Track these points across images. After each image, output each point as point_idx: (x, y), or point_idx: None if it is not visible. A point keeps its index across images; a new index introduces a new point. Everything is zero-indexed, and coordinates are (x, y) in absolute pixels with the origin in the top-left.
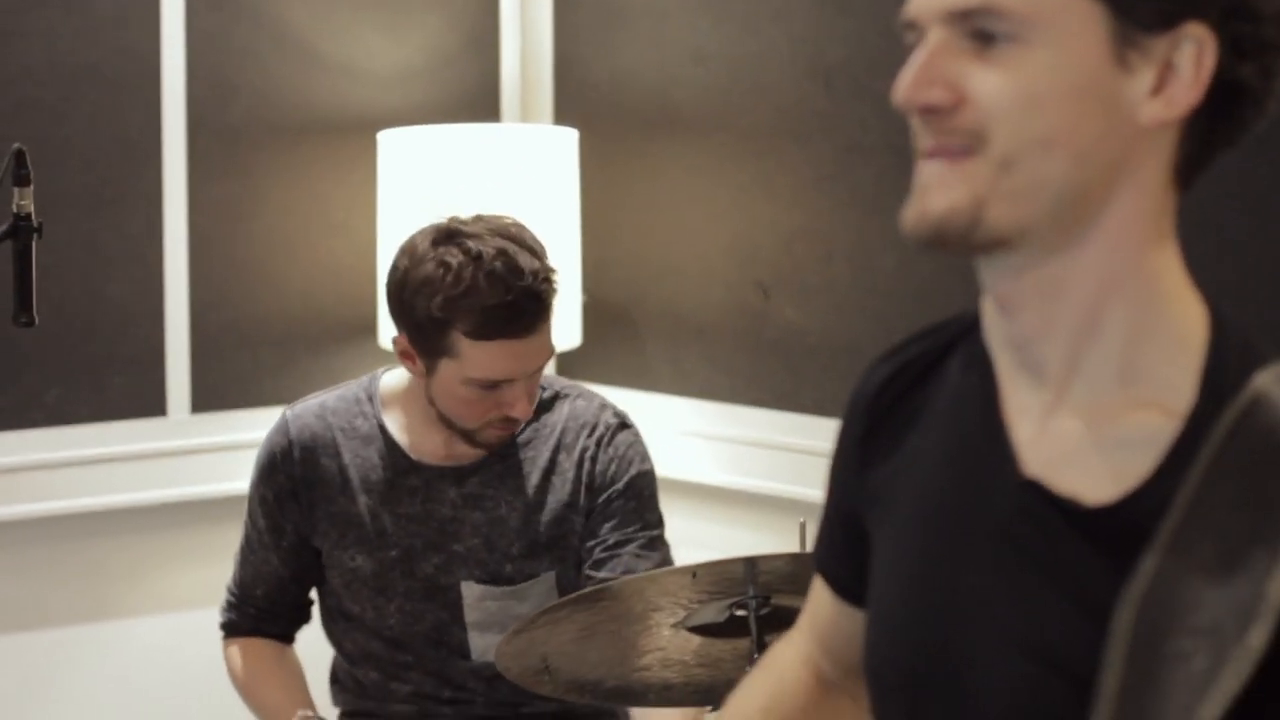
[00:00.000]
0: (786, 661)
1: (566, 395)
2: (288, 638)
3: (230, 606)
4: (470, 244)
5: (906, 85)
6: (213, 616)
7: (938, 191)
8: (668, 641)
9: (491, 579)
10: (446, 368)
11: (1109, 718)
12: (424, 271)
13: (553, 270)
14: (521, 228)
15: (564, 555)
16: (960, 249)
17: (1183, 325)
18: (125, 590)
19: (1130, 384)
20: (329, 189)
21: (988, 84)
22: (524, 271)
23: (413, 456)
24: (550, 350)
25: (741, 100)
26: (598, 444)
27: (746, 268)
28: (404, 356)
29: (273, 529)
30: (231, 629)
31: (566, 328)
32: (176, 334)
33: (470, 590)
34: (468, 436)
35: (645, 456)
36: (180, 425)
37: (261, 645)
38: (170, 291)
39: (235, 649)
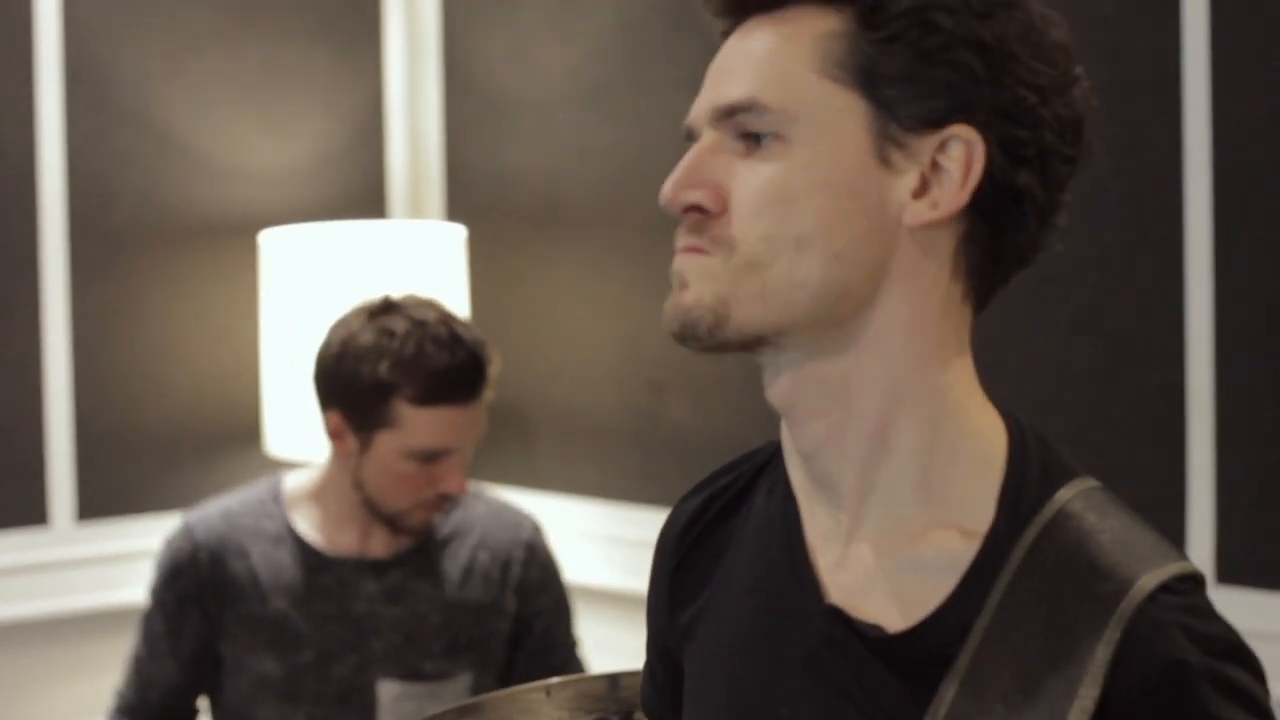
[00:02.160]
0: None
1: (477, 494)
2: None
3: (120, 711)
4: (411, 312)
5: (670, 185)
6: None
7: (687, 285)
8: None
9: (410, 675)
10: (384, 441)
11: None
12: (365, 340)
13: (487, 343)
14: (446, 306)
15: (484, 658)
16: (712, 346)
17: (980, 441)
18: (7, 707)
19: (928, 504)
20: (213, 292)
21: (747, 185)
22: (465, 339)
23: (326, 553)
24: (484, 426)
25: (629, 196)
26: (528, 549)
27: (637, 366)
28: (335, 437)
29: (172, 634)
30: None
31: None
32: (59, 441)
33: (387, 690)
34: (393, 522)
35: (560, 569)
36: (64, 535)
37: None
38: (52, 398)
39: None
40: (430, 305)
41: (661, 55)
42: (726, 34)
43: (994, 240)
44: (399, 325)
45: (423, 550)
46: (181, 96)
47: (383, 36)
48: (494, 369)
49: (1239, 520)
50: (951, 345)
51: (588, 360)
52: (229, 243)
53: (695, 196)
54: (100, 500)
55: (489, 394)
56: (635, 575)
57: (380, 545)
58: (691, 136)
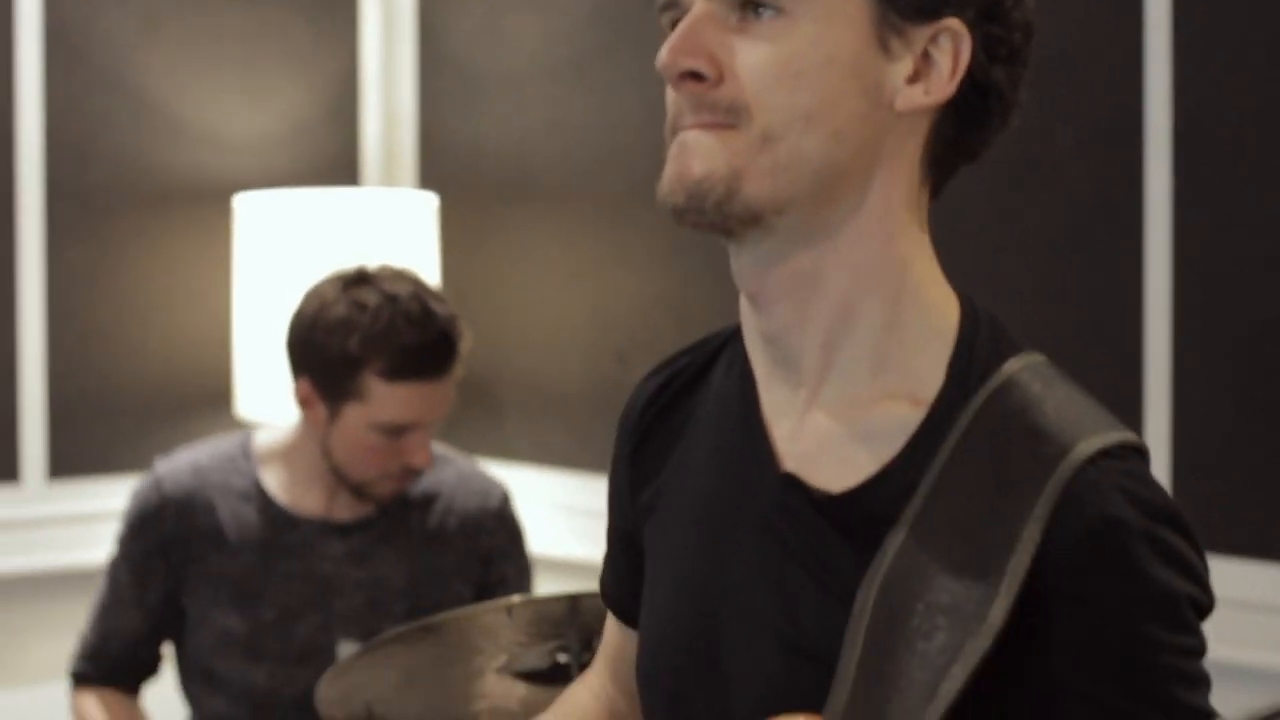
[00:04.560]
0: (580, 698)
1: (446, 459)
2: (136, 690)
3: (83, 657)
4: (384, 286)
5: (668, 51)
6: (66, 690)
7: (697, 157)
8: (493, 689)
9: (371, 637)
10: (352, 412)
11: (846, 695)
12: (337, 312)
13: (460, 319)
14: (422, 279)
15: None
16: (715, 220)
17: (934, 316)
18: None
19: (882, 376)
20: (187, 255)
21: (751, 57)
22: (438, 315)
23: (292, 513)
24: (452, 402)
25: (598, 168)
26: (496, 517)
27: (604, 336)
28: (304, 405)
29: (137, 584)
30: (82, 679)
31: None
32: (32, 399)
33: (347, 649)
34: (359, 490)
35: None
36: (35, 492)
37: (112, 696)
38: (25, 356)
39: (85, 699)
40: (405, 278)
41: (635, 28)
42: None
43: (958, 132)
44: (371, 299)
45: (390, 514)
46: (159, 61)
47: (359, 5)
48: (465, 345)
49: (1194, 488)
50: (915, 225)
51: (556, 330)
52: (203, 207)
53: (694, 63)
54: (72, 459)
55: (459, 370)
56: (602, 546)
57: (346, 508)
58: (672, 7)
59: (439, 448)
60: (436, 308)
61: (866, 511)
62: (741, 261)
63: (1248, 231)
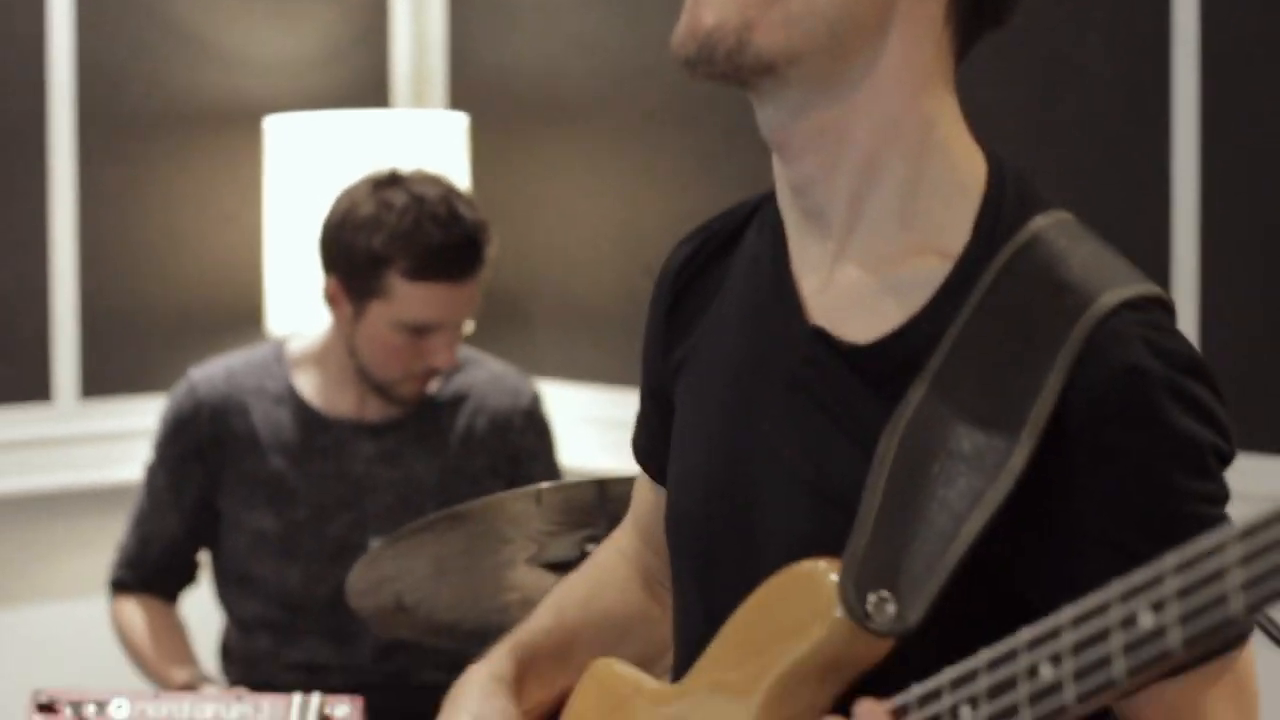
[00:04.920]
0: (611, 557)
1: (476, 361)
2: (174, 598)
3: (122, 565)
4: (413, 188)
5: None
6: (98, 606)
7: (709, 8)
8: (523, 580)
9: None
10: (376, 311)
11: (867, 539)
12: (366, 211)
13: (488, 224)
14: (453, 184)
15: None
16: (726, 71)
17: (960, 172)
18: (8, 580)
19: (909, 230)
20: (218, 177)
21: None
22: (464, 217)
23: (325, 415)
24: (477, 304)
25: (628, 86)
26: (526, 416)
27: (634, 252)
28: (332, 303)
29: (174, 488)
30: (121, 586)
31: None
32: (64, 320)
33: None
34: (384, 390)
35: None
36: (67, 411)
37: (150, 603)
38: (57, 277)
39: (124, 605)
40: (435, 182)
41: None
42: None
43: None
44: (399, 199)
45: (421, 414)
46: None
47: None
48: (492, 250)
49: (1221, 385)
50: (940, 84)
51: (585, 246)
52: (234, 129)
53: None
54: (103, 378)
55: (485, 273)
56: (631, 459)
57: (378, 409)
58: None
59: (470, 351)
60: (464, 210)
61: (892, 362)
62: (765, 113)
63: (1276, 128)
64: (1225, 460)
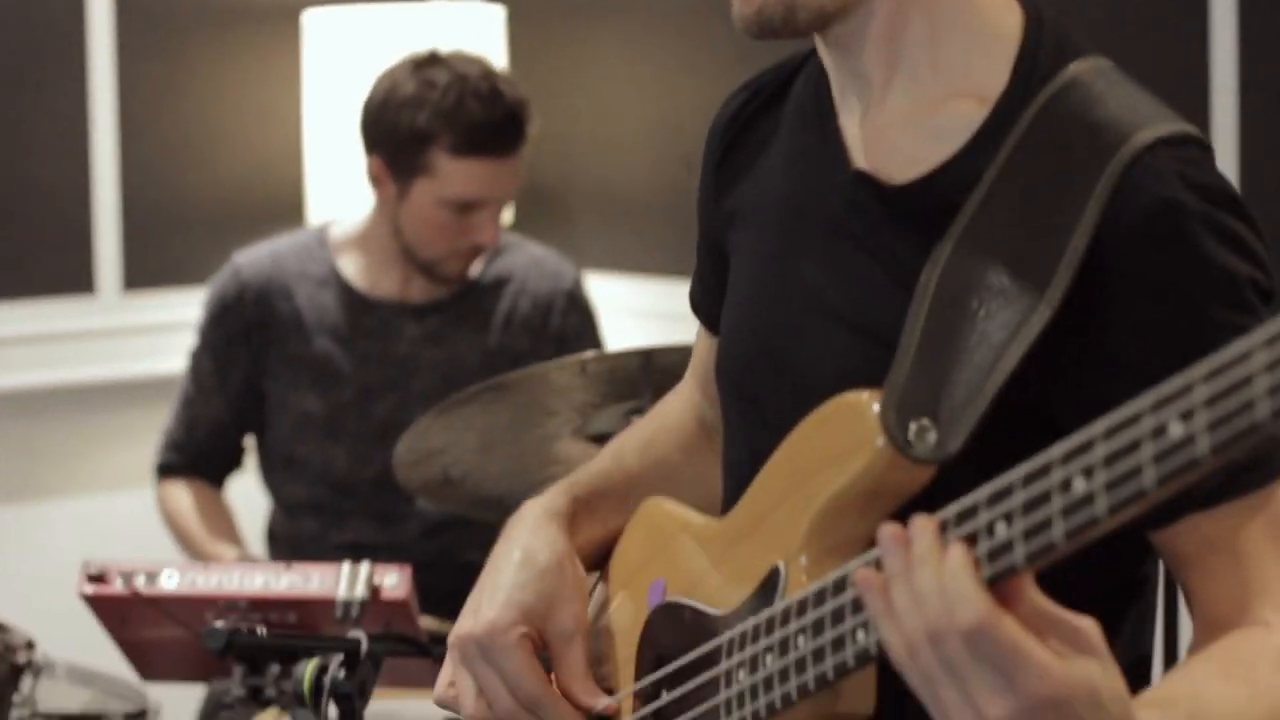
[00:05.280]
0: (671, 407)
1: (518, 244)
2: (220, 482)
3: (169, 448)
4: (455, 66)
5: None
6: (140, 498)
7: None
8: (568, 453)
9: None
10: (421, 188)
11: (908, 369)
12: (408, 90)
13: (529, 101)
14: (492, 64)
15: None
16: (792, 33)
17: (995, 21)
18: (51, 471)
19: (944, 77)
20: (256, 71)
21: None
22: (506, 94)
23: (369, 296)
24: (519, 181)
25: None
26: (569, 298)
27: (673, 143)
28: (376, 183)
29: (219, 372)
30: (167, 470)
31: None
32: (106, 213)
33: None
34: (429, 269)
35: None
36: (110, 303)
37: (196, 485)
38: (99, 171)
39: (171, 489)
40: (475, 61)
41: None
42: None
43: None
44: (441, 77)
45: (464, 296)
46: None
47: None
48: (533, 127)
49: (1260, 216)
50: None
51: (625, 138)
52: (273, 23)
53: None
54: (146, 271)
55: (526, 150)
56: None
57: (421, 290)
58: None
59: (511, 235)
60: (505, 88)
61: (932, 201)
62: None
63: None
64: (1266, 295)
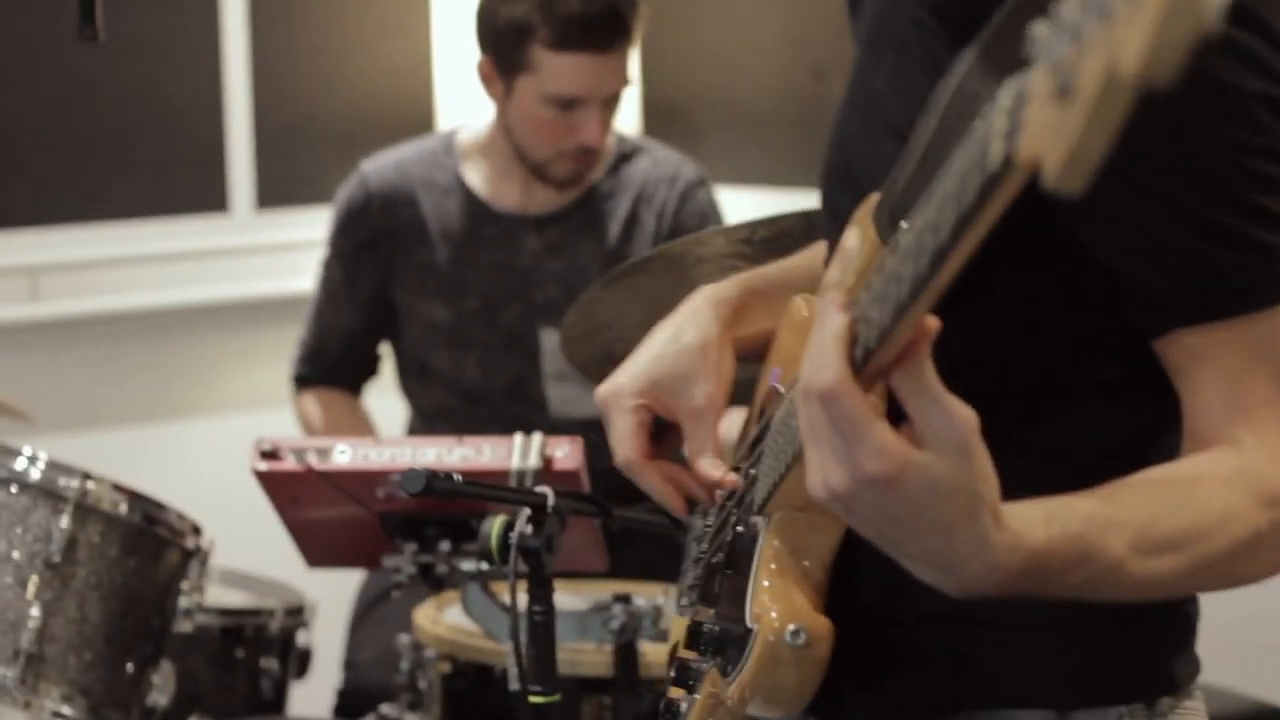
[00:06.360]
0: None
1: (646, 149)
2: (357, 390)
3: (303, 359)
4: None
5: None
6: (272, 417)
7: None
8: None
9: None
10: (524, 85)
11: (909, 172)
12: None
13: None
14: None
15: None
16: None
17: None
18: (185, 389)
19: None
20: None
21: None
22: None
23: (493, 207)
24: (626, 80)
25: None
26: (680, 198)
27: (800, 53)
28: (486, 82)
29: (349, 280)
30: (304, 381)
31: (623, 121)
32: (239, 131)
33: (549, 338)
34: (540, 171)
35: (722, 218)
36: (244, 222)
37: (334, 394)
38: (231, 91)
39: (308, 398)
40: None
41: None
42: None
43: None
44: None
45: (584, 205)
46: None
47: None
48: (637, 22)
49: None
50: None
51: (751, 49)
52: None
53: None
54: (278, 189)
55: (629, 45)
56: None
57: (542, 201)
58: None
59: (637, 139)
60: None
61: (975, 12)
62: None
63: None
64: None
